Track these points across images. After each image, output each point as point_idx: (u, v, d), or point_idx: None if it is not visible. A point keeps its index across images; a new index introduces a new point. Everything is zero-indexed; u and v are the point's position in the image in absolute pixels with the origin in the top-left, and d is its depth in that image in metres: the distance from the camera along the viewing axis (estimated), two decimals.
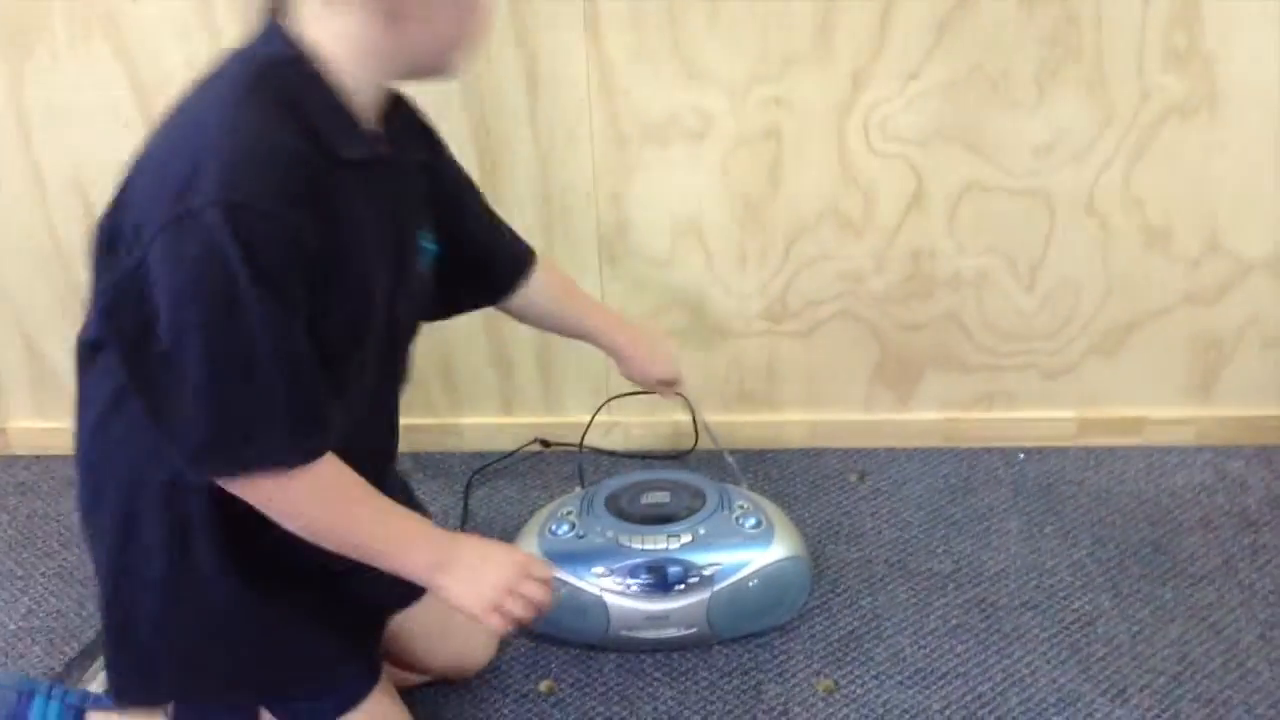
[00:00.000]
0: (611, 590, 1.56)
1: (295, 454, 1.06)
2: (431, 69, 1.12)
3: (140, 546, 1.16)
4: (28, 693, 1.37)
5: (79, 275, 1.90)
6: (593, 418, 1.92)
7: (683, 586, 1.56)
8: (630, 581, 1.57)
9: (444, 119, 1.70)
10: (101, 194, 1.78)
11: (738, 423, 2.00)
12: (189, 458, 1.06)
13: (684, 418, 1.98)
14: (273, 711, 1.32)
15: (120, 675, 1.25)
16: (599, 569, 1.57)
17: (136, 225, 0.99)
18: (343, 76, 1.06)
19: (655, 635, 1.60)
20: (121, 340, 1.04)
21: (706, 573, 1.57)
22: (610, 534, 1.60)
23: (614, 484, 1.71)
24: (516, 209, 1.79)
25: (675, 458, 2.01)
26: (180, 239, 0.95)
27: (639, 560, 1.57)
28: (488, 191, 1.76)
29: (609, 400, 1.93)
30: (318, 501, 1.11)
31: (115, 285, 1.01)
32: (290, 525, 1.10)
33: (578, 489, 1.74)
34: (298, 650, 1.26)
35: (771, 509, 1.67)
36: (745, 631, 1.65)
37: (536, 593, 1.21)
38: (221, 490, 1.08)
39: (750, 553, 1.59)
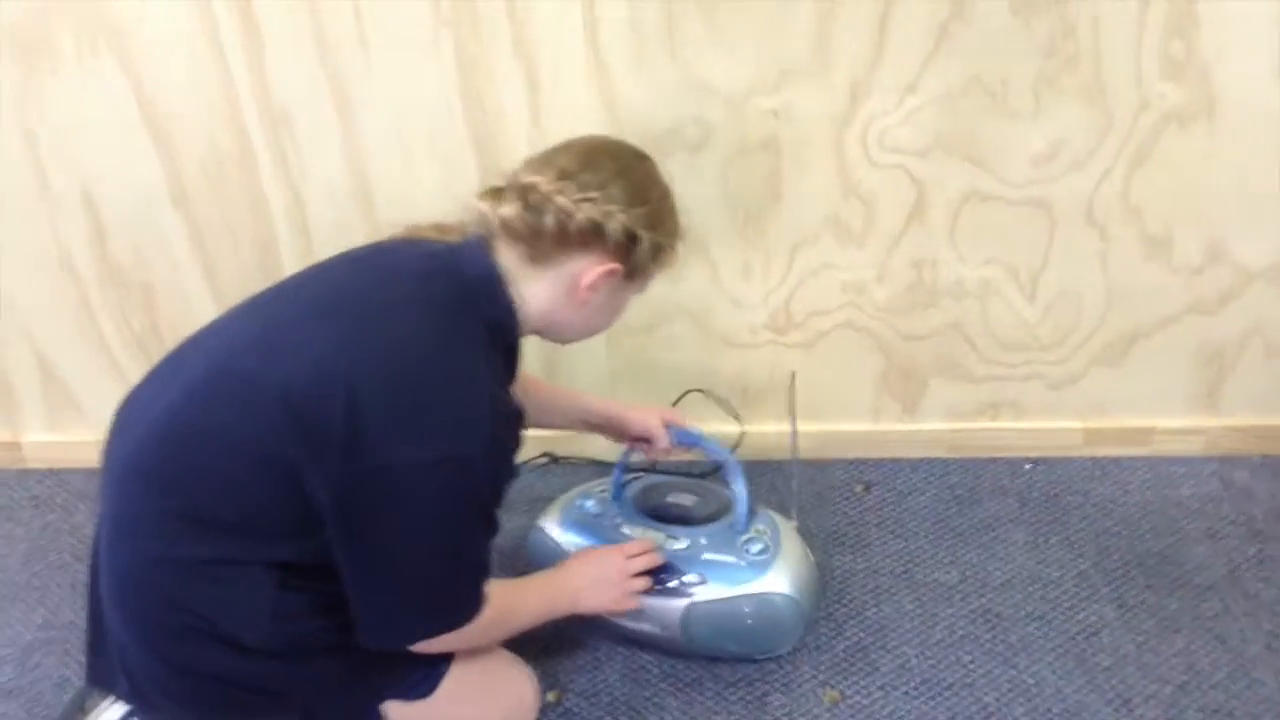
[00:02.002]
0: None
1: (468, 619, 1.30)
2: (562, 336, 1.40)
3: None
4: None
5: (90, 290, 1.93)
6: None
7: (661, 588, 1.56)
8: None
9: (445, 131, 1.74)
10: (110, 209, 1.84)
11: (741, 433, 2.01)
12: (383, 632, 1.27)
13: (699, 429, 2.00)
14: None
15: None
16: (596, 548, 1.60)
17: (378, 440, 1.17)
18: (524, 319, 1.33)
19: (631, 626, 1.60)
20: (347, 526, 1.20)
21: (687, 581, 1.56)
22: (619, 520, 1.63)
23: (657, 478, 1.74)
24: None
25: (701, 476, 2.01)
26: (454, 475, 1.19)
27: None
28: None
29: (685, 394, 1.95)
30: (479, 631, 1.33)
31: (352, 484, 1.18)
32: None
33: (639, 474, 1.78)
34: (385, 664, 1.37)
35: (791, 544, 1.62)
36: (725, 653, 1.63)
37: (642, 565, 1.52)
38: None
39: (740, 577, 1.56)
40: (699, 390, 1.96)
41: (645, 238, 1.30)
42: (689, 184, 1.74)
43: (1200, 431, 1.97)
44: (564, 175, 1.28)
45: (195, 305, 1.93)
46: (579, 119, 1.72)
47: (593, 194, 1.27)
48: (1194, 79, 1.64)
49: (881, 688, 1.60)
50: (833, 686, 1.61)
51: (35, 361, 2.03)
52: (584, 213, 1.26)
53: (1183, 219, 1.76)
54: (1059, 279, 1.83)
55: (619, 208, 1.28)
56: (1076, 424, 1.98)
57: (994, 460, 2.01)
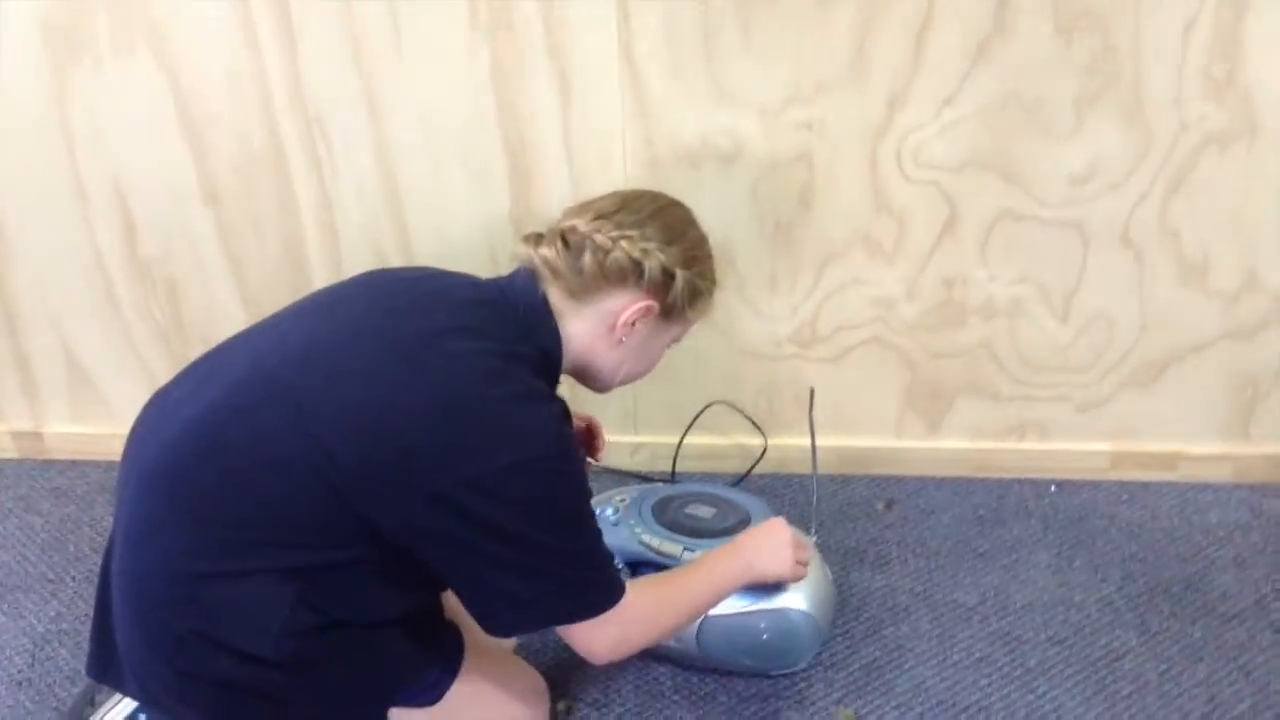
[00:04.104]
0: None
1: (610, 602, 1.29)
2: (599, 380, 1.42)
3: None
4: None
5: (117, 284, 1.94)
6: (685, 432, 1.92)
7: None
8: (631, 577, 1.57)
9: (476, 136, 1.74)
10: (141, 204, 1.85)
11: (764, 446, 2.00)
12: (515, 620, 1.29)
13: (720, 440, 1.99)
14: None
15: None
16: (615, 560, 1.57)
17: (449, 458, 1.19)
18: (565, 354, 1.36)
19: None
20: (447, 543, 1.21)
21: None
22: (638, 530, 1.62)
23: (676, 489, 1.73)
24: (547, 221, 1.77)
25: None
26: (550, 477, 1.22)
27: (648, 561, 1.58)
28: (522, 211, 1.79)
29: (709, 405, 1.97)
30: (644, 621, 1.34)
31: (433, 503, 1.19)
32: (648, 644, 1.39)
33: (659, 485, 1.77)
34: (397, 668, 1.37)
35: (811, 560, 1.59)
36: (740, 667, 1.62)
37: (799, 540, 1.53)
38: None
39: (757, 592, 1.54)
40: (723, 402, 1.96)
41: (680, 276, 1.34)
42: (719, 194, 1.75)
43: (1229, 458, 1.95)
44: (601, 215, 1.33)
45: (220, 301, 1.94)
46: (611, 127, 1.71)
47: (630, 232, 1.31)
48: (1236, 101, 1.62)
49: (897, 708, 1.58)
50: (847, 705, 1.59)
51: (61, 352, 2.04)
52: (621, 249, 1.30)
53: (1220, 244, 1.74)
54: (1092, 301, 1.81)
55: (655, 245, 1.32)
56: (1104, 447, 1.96)
57: (1019, 481, 2.00)
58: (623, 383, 1.44)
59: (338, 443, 1.18)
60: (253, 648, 1.21)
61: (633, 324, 1.34)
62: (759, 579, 1.49)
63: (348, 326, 1.28)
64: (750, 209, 1.77)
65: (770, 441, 2.00)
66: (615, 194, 1.39)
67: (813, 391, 1.66)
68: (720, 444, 2.01)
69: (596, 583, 1.28)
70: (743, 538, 1.51)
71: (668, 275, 1.33)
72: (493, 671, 1.44)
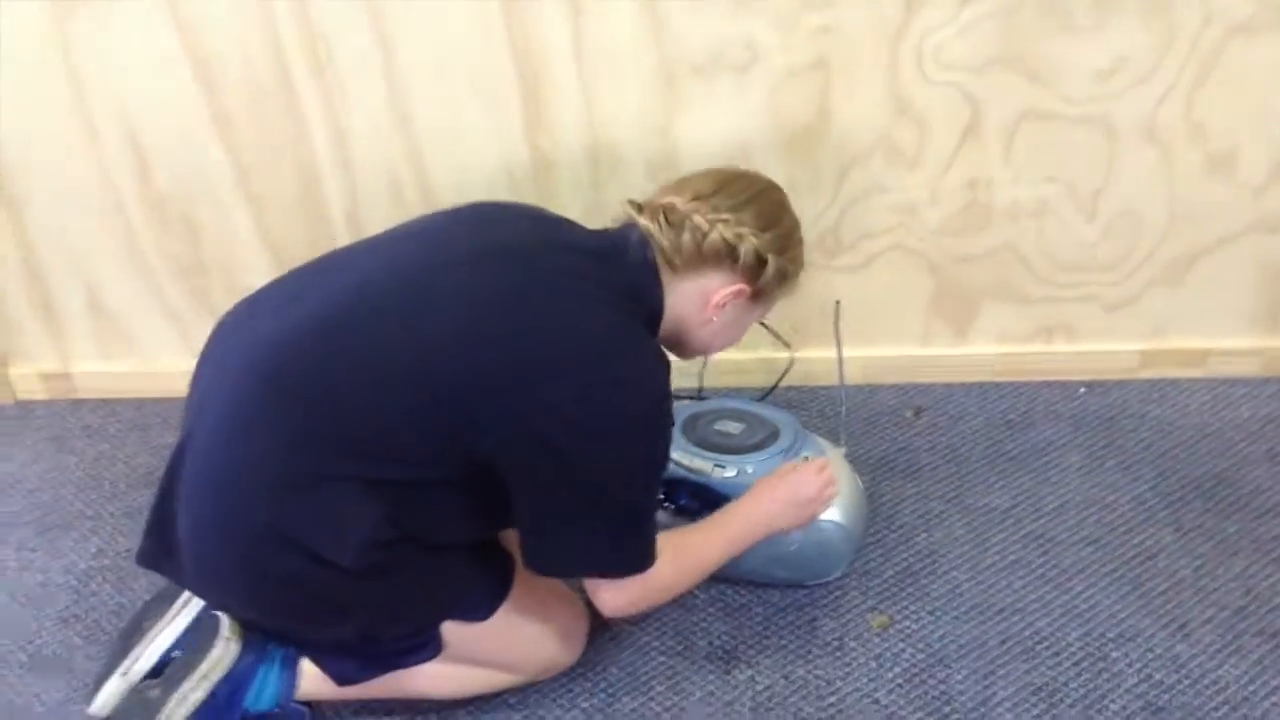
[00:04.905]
0: None
1: (645, 565, 1.32)
2: (683, 351, 1.46)
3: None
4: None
5: (136, 222, 1.93)
6: None
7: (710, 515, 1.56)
8: (663, 495, 1.60)
9: (489, 62, 1.71)
10: (153, 140, 1.83)
11: (790, 359, 1.99)
12: (558, 562, 1.32)
13: (746, 355, 1.99)
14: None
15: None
16: None
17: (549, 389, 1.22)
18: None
19: None
20: (528, 471, 1.25)
21: None
22: None
23: (705, 406, 1.73)
24: (562, 142, 1.78)
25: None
26: (646, 432, 1.27)
27: (679, 477, 1.59)
28: (536, 133, 1.77)
29: None
30: (668, 582, 1.37)
31: (535, 430, 1.22)
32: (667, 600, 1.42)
33: (687, 401, 1.78)
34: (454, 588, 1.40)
35: (840, 471, 1.61)
36: (774, 579, 1.64)
37: (827, 478, 1.52)
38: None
39: None
40: None
41: (773, 261, 1.36)
42: (735, 105, 1.72)
43: (1259, 352, 1.94)
44: (699, 196, 1.36)
45: (239, 237, 1.93)
46: (624, 46, 1.69)
47: (726, 216, 1.34)
48: None
49: (931, 612, 1.59)
50: (882, 611, 1.60)
51: (84, 292, 2.04)
52: (718, 232, 1.33)
53: (1247, 135, 1.71)
54: (1119, 198, 1.78)
55: (750, 230, 1.34)
56: (1133, 346, 1.95)
57: (1048, 384, 1.98)
58: (703, 354, 1.48)
59: (451, 360, 1.21)
60: (330, 554, 1.23)
61: (723, 305, 1.37)
62: (782, 532, 1.52)
63: (469, 254, 1.30)
64: (768, 118, 1.74)
65: (796, 354, 1.98)
66: (713, 173, 1.41)
67: (838, 304, 1.65)
68: (746, 358, 2.00)
69: (639, 544, 1.31)
70: (763, 494, 1.50)
71: (760, 260, 1.35)
72: (538, 591, 1.47)
